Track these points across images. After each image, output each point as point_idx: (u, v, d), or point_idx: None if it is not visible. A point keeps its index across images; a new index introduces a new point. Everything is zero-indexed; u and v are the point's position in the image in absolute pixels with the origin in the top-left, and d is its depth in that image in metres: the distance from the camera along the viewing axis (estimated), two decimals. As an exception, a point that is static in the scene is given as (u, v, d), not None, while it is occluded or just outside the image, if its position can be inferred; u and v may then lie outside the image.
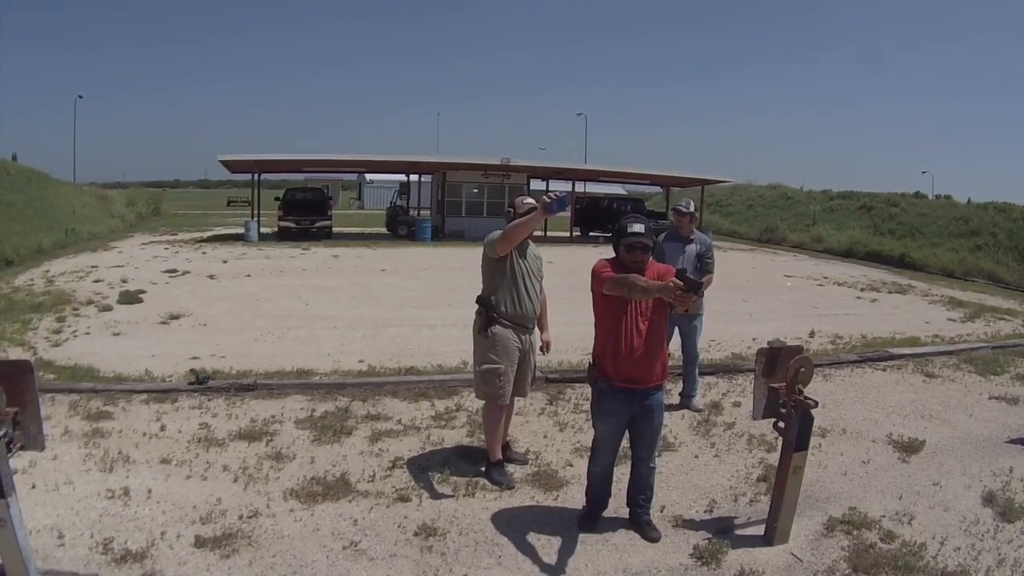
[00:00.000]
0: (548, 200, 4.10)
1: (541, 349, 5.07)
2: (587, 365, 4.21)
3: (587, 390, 6.70)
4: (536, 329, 4.96)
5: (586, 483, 4.34)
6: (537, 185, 30.59)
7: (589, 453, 4.35)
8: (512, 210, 4.70)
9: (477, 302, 4.77)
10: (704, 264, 6.34)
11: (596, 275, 3.93)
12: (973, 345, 9.43)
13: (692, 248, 6.38)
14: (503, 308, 4.64)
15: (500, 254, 4.57)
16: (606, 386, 4.01)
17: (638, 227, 3.89)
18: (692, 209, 6.50)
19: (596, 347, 4.09)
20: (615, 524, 4.25)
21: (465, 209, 27.47)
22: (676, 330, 6.32)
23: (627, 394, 3.96)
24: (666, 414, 6.27)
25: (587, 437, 5.62)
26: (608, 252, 4.09)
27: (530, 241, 4.78)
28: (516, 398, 5.00)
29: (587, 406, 6.32)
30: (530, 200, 4.66)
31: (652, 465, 4.21)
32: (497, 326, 4.65)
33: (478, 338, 4.75)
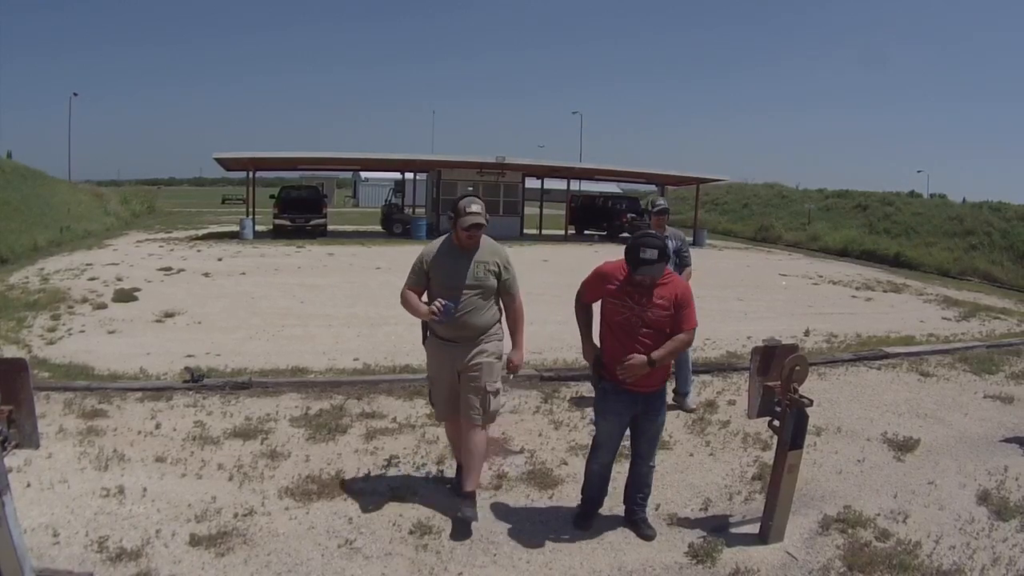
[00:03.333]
0: (435, 313, 4.05)
1: (508, 369, 4.40)
2: (590, 364, 4.18)
3: (582, 387, 6.73)
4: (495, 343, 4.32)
5: (583, 481, 4.32)
6: (532, 183, 30.59)
7: (588, 451, 4.33)
8: (453, 216, 4.15)
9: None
10: (682, 259, 6.38)
11: (593, 281, 4.08)
12: (968, 344, 9.46)
13: (669, 245, 6.40)
14: (431, 324, 4.27)
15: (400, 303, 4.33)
16: (610, 386, 4.00)
17: (650, 253, 3.78)
18: (664, 204, 6.59)
19: (601, 348, 4.09)
20: (611, 522, 4.25)
21: (460, 207, 27.39)
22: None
23: (631, 395, 3.97)
24: (662, 412, 6.31)
25: (582, 435, 5.63)
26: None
27: (481, 244, 4.22)
28: (476, 425, 4.26)
29: (582, 404, 6.34)
30: (476, 207, 4.09)
31: (651, 464, 4.22)
32: (429, 339, 4.37)
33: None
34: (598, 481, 4.26)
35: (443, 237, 4.34)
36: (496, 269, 4.24)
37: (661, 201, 6.60)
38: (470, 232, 4.11)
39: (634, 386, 3.94)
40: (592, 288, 4.11)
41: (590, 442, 5.44)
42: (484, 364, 4.20)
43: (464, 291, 4.14)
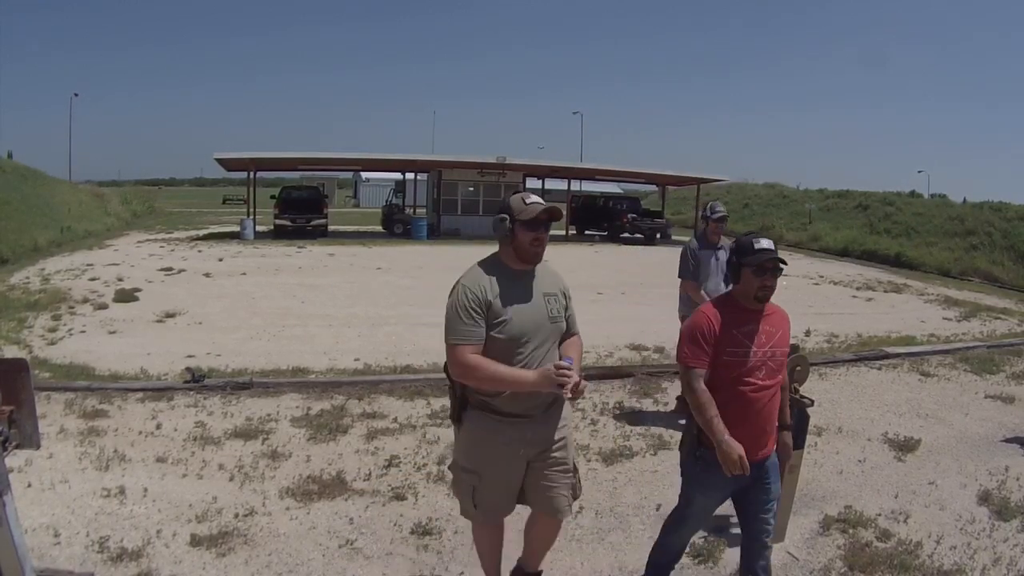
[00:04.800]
0: (562, 383, 2.70)
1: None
2: (683, 428, 3.36)
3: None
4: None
5: (655, 550, 3.46)
6: (532, 183, 30.58)
7: (669, 523, 3.41)
8: (508, 217, 2.86)
9: (445, 370, 2.99)
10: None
11: (692, 341, 3.05)
12: (969, 344, 9.45)
13: (723, 256, 5.63)
14: (483, 393, 2.91)
15: (455, 377, 2.90)
16: (712, 457, 2.99)
17: (766, 242, 3.03)
18: (723, 212, 5.89)
19: None
20: (611, 522, 4.25)
21: (461, 208, 27.48)
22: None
23: None
24: (662, 413, 6.29)
25: (583, 436, 5.62)
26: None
27: (543, 264, 3.02)
28: (544, 516, 3.14)
29: (582, 404, 6.32)
30: (534, 199, 2.90)
31: (768, 541, 3.20)
32: (472, 414, 2.96)
33: (454, 426, 3.13)
34: (676, 557, 3.48)
35: (482, 262, 2.99)
36: (565, 302, 3.08)
37: (720, 208, 5.85)
38: (538, 234, 2.86)
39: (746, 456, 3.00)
40: (696, 350, 3.03)
41: (594, 446, 5.47)
42: (568, 438, 3.08)
43: (537, 336, 2.92)
